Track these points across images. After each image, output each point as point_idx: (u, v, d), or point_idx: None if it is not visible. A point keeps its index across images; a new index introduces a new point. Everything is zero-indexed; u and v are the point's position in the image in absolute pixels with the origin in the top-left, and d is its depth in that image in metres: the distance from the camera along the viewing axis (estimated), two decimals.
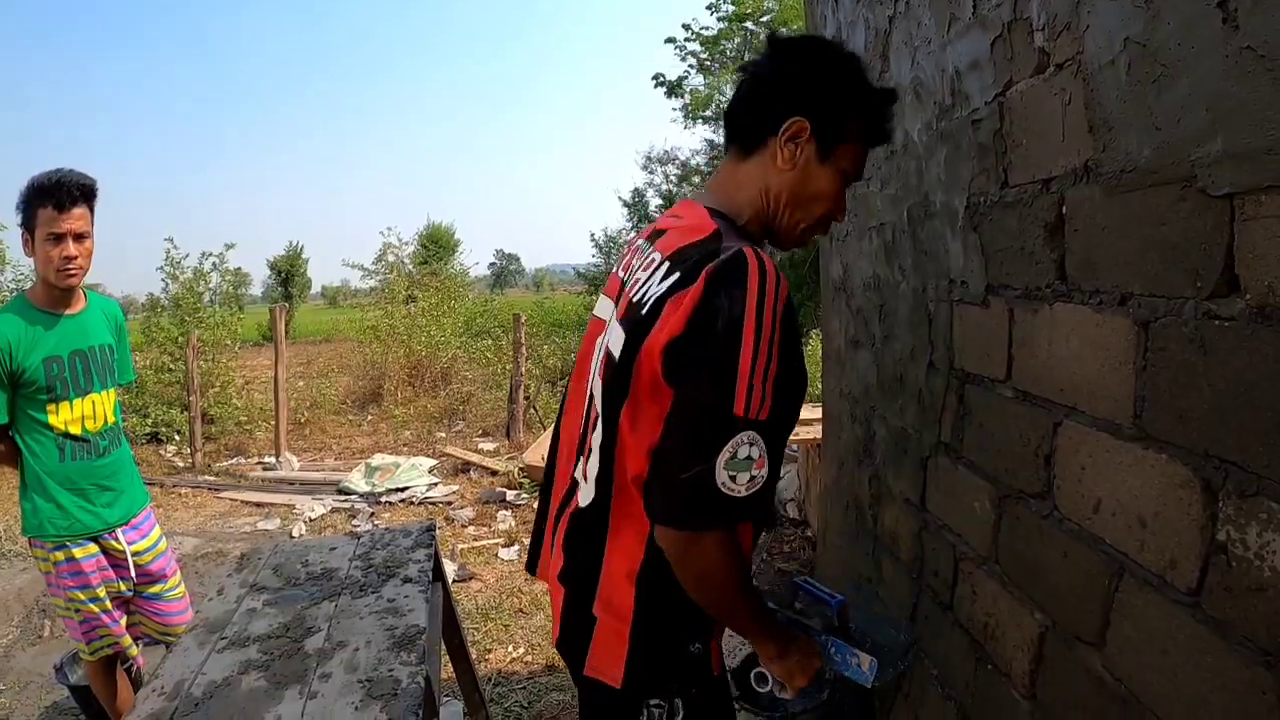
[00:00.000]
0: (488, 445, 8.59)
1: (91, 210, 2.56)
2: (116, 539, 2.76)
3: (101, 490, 2.71)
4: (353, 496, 6.77)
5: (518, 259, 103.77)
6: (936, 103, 1.77)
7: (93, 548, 2.70)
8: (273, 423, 8.68)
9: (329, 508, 6.51)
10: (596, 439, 1.29)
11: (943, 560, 1.90)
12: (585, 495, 1.33)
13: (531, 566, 1.59)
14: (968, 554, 1.74)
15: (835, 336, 3.05)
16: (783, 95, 1.30)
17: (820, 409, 5.44)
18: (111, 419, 2.76)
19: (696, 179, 27.13)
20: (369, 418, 10.82)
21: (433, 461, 7.55)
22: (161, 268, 10.36)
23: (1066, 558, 1.29)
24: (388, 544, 2.55)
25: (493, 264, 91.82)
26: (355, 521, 6.18)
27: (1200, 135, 0.93)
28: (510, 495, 6.46)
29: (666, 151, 26.66)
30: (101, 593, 2.72)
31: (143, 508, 2.90)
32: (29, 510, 2.65)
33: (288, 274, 28.87)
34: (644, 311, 1.20)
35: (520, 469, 6.88)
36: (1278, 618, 0.86)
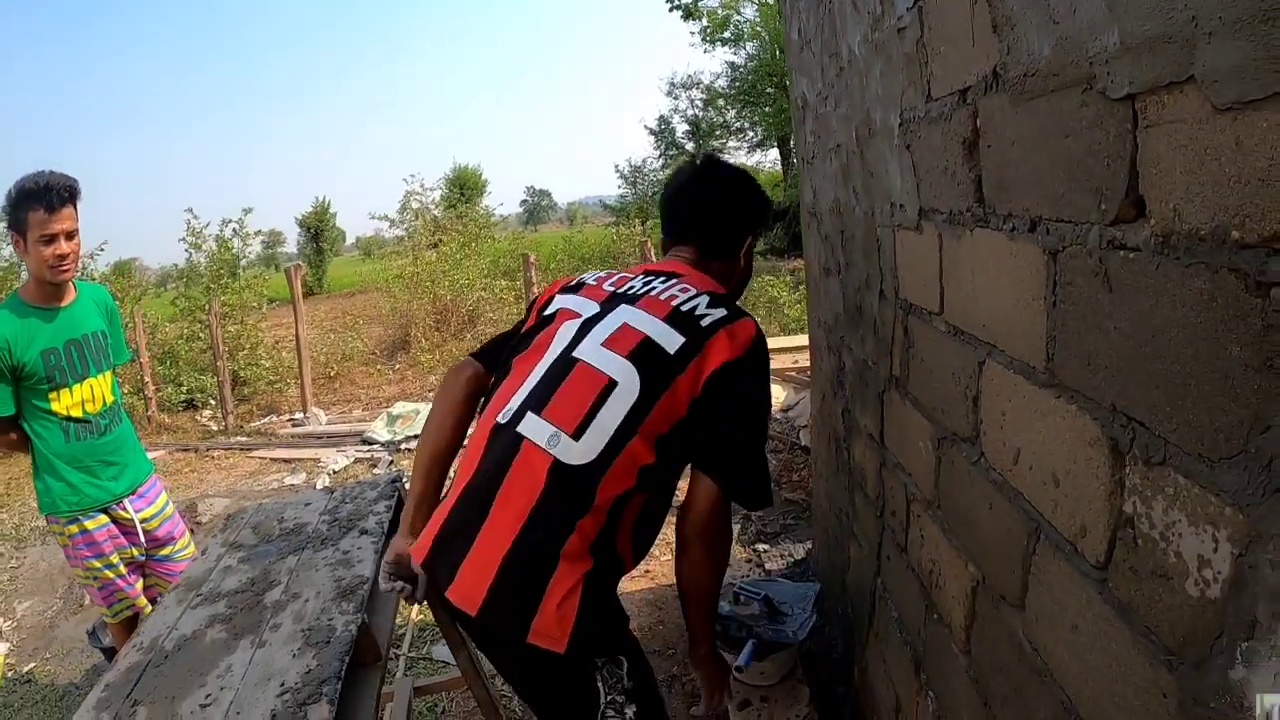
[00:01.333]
0: None
1: (76, 208, 2.63)
2: (124, 508, 2.90)
3: (106, 465, 2.85)
4: (375, 445, 6.76)
5: (549, 194, 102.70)
6: (870, 12, 1.56)
7: (103, 519, 2.84)
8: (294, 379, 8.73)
9: (352, 458, 6.52)
10: (617, 406, 1.38)
11: (898, 499, 1.75)
12: (578, 453, 1.37)
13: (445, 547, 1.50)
14: (916, 495, 1.59)
15: (812, 264, 2.87)
16: (749, 223, 1.75)
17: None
18: (110, 399, 2.88)
19: (721, 101, 26.57)
20: (396, 366, 10.81)
21: None
22: (183, 239, 10.38)
23: (992, 510, 1.14)
24: (355, 498, 2.56)
25: (524, 201, 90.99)
26: (376, 470, 6.19)
27: (1097, 25, 0.74)
28: None
29: (690, 76, 26.13)
30: (115, 559, 2.87)
31: (147, 477, 3.03)
32: (42, 490, 2.79)
33: (317, 229, 28.79)
34: (704, 324, 1.45)
35: None
36: (1181, 611, 0.69)
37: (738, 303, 1.64)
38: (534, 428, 1.41)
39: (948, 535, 1.38)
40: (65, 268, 2.63)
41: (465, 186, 26.03)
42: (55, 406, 2.72)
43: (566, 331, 1.52)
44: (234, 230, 10.50)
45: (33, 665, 4.10)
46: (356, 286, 20.82)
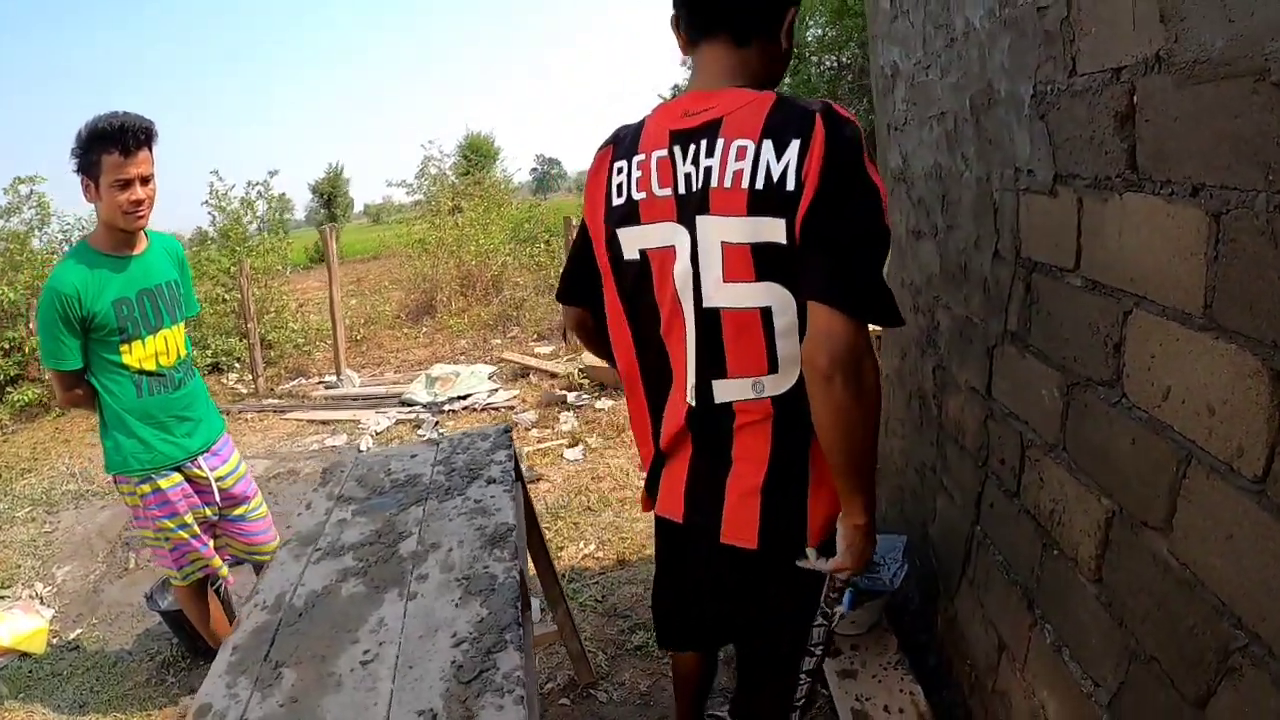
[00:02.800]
0: (544, 349, 8.75)
1: (153, 152, 2.60)
2: (199, 466, 2.92)
3: (180, 421, 2.86)
4: (416, 407, 7.00)
5: (559, 163, 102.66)
6: None
7: (177, 477, 2.86)
8: (329, 342, 8.95)
9: (393, 420, 6.75)
10: (785, 324, 1.39)
11: (1009, 448, 1.96)
12: (785, 381, 1.44)
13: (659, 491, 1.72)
14: (1035, 441, 1.79)
15: (895, 226, 3.04)
16: None
17: None
18: (183, 352, 2.90)
19: None
20: (424, 329, 11.04)
21: (491, 368, 7.75)
22: (207, 201, 10.56)
23: (1135, 445, 1.35)
24: (467, 448, 2.64)
25: (534, 169, 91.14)
26: (420, 431, 6.41)
27: (1274, 28, 0.93)
28: (571, 397, 6.62)
29: None
30: (189, 519, 2.89)
31: (220, 434, 3.05)
32: (111, 448, 2.79)
33: (330, 195, 29.05)
34: (789, 187, 1.30)
35: (580, 370, 7.02)
36: None
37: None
38: (732, 390, 1.47)
39: (1075, 475, 1.59)
40: (141, 214, 2.61)
41: (479, 153, 26.17)
42: (127, 359, 2.71)
43: (683, 283, 1.45)
44: (259, 193, 10.69)
45: (79, 632, 4.13)
46: (369, 252, 21.00)
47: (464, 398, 6.96)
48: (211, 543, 3.03)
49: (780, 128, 1.31)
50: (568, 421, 6.08)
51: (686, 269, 1.44)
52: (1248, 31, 0.98)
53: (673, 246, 1.45)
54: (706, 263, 1.40)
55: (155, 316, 2.76)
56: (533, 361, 7.89)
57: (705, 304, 1.43)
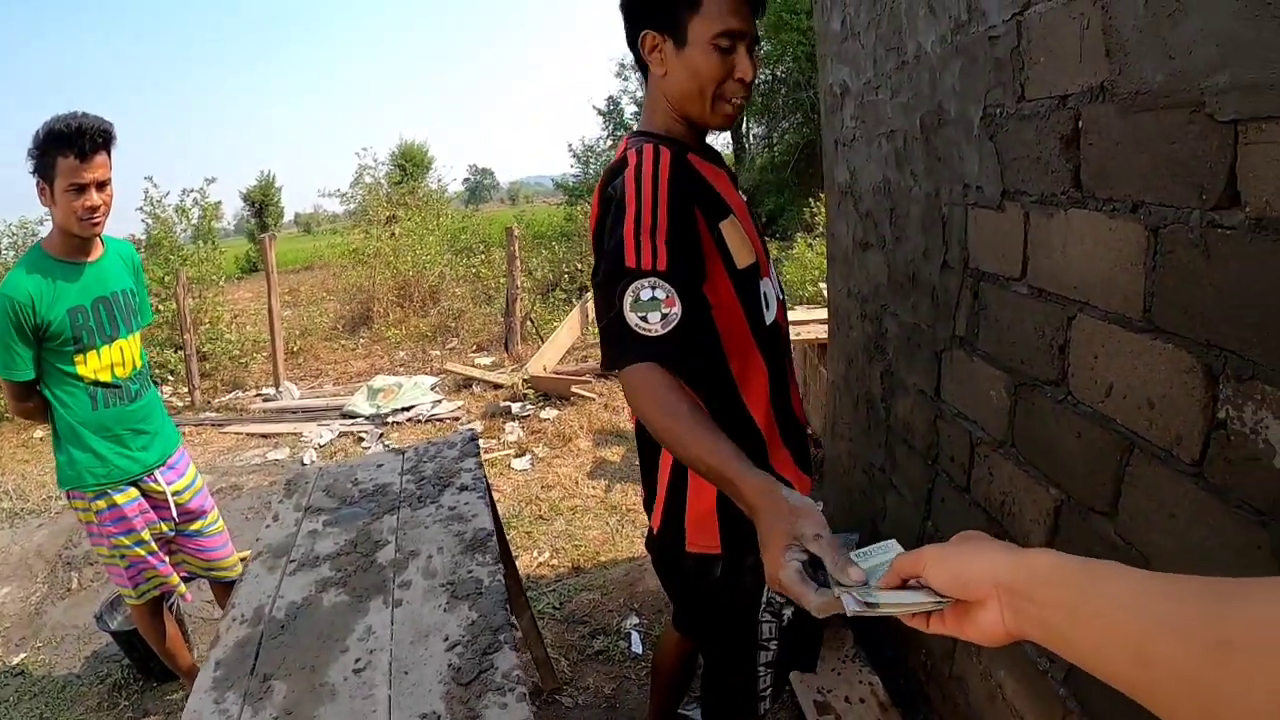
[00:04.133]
0: (485, 360, 8.76)
1: (110, 155, 2.51)
2: (155, 480, 2.82)
3: (136, 434, 2.76)
4: (358, 419, 6.95)
5: (492, 173, 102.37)
6: (952, 17, 1.88)
7: (133, 492, 2.76)
8: (265, 354, 8.82)
9: (336, 432, 6.70)
10: None
11: (959, 446, 2.09)
12: None
13: None
14: (984, 439, 1.93)
15: (842, 238, 3.19)
16: (629, 20, 1.53)
17: (814, 310, 5.63)
18: (139, 363, 2.80)
19: None
20: (361, 341, 10.95)
21: (434, 379, 7.74)
22: (141, 208, 10.29)
23: (1080, 438, 1.48)
24: (434, 457, 2.66)
25: (467, 179, 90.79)
26: (365, 443, 6.37)
27: (1210, 67, 1.07)
28: (515, 407, 6.65)
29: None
30: (146, 535, 2.79)
31: (176, 447, 2.96)
32: (65, 463, 2.67)
33: (261, 204, 28.46)
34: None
35: (524, 380, 7.06)
36: (1270, 484, 1.04)
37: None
38: None
39: (1024, 468, 1.73)
40: (97, 220, 2.51)
41: (412, 162, 25.95)
42: (82, 370, 2.61)
43: None
44: (195, 200, 10.47)
45: (24, 656, 3.97)
46: (302, 263, 20.68)
47: (407, 409, 6.95)
48: (168, 559, 2.92)
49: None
50: (513, 432, 6.12)
51: None
52: (1186, 68, 1.11)
53: None
54: None
55: (111, 326, 2.66)
56: (476, 373, 7.89)
57: None
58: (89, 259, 2.63)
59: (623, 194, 1.37)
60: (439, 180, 20.81)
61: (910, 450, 2.48)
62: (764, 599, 1.68)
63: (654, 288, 1.31)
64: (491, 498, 2.56)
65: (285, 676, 1.62)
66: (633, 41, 1.54)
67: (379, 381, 7.51)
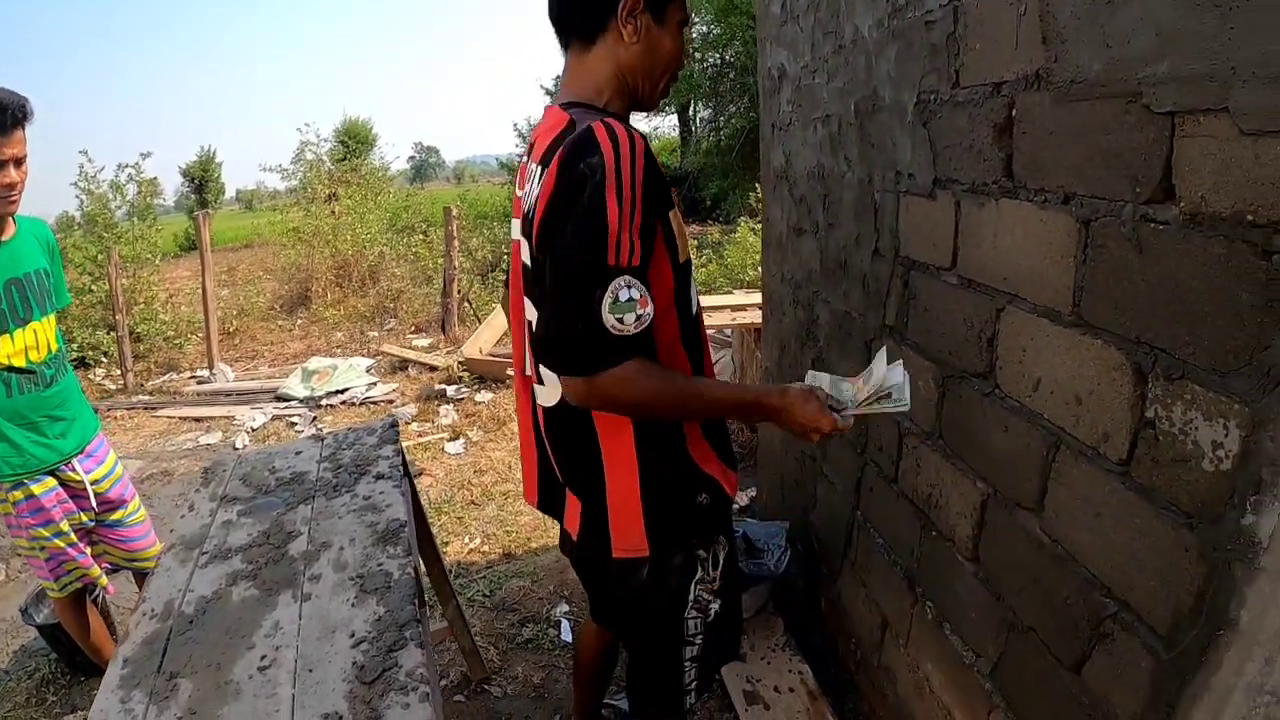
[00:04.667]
0: (422, 341, 8.57)
1: (26, 132, 2.39)
2: (74, 469, 2.71)
3: (53, 421, 2.64)
4: (292, 402, 6.75)
5: (437, 151, 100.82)
6: (890, 2, 1.81)
7: (50, 482, 2.64)
8: (202, 335, 8.50)
9: (269, 415, 6.49)
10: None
11: (887, 436, 2.05)
12: (548, 396, 1.48)
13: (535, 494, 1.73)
14: (912, 429, 1.88)
15: (776, 223, 3.13)
16: None
17: (753, 294, 5.59)
18: (55, 346, 2.66)
19: None
20: (299, 321, 10.65)
21: (370, 361, 7.57)
22: (75, 183, 9.82)
23: (1007, 432, 1.44)
24: (353, 444, 2.57)
25: (412, 158, 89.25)
26: (298, 427, 6.19)
27: (1148, 57, 1.02)
28: (450, 390, 6.51)
29: None
30: (65, 526, 2.68)
31: (95, 434, 2.83)
32: None
33: (201, 180, 27.53)
34: (532, 216, 1.33)
35: (459, 363, 6.91)
36: (1198, 485, 1.00)
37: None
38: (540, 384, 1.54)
39: (951, 460, 1.68)
40: (13, 198, 2.41)
41: (356, 139, 25.36)
42: None
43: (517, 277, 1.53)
44: (130, 175, 10.03)
45: None
46: (241, 240, 20.09)
47: (341, 392, 6.76)
48: (89, 550, 2.80)
49: (549, 155, 1.32)
50: (448, 415, 5.98)
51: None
52: (1124, 57, 1.06)
53: (519, 240, 1.52)
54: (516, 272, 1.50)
55: (25, 308, 2.52)
56: (412, 354, 7.71)
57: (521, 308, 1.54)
58: (1, 239, 2.49)
59: (602, 178, 1.22)
60: (382, 158, 20.35)
61: (841, 440, 2.43)
62: (690, 596, 1.61)
63: (630, 287, 1.23)
64: (412, 485, 2.48)
65: (191, 675, 1.55)
66: (596, 9, 1.39)
67: (314, 363, 7.29)
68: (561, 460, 1.56)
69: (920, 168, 1.72)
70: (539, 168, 1.34)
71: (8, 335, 2.48)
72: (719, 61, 18.61)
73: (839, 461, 2.46)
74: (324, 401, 6.67)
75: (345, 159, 16.62)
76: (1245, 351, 0.92)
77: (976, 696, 1.66)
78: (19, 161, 2.37)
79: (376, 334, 9.49)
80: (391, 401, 6.60)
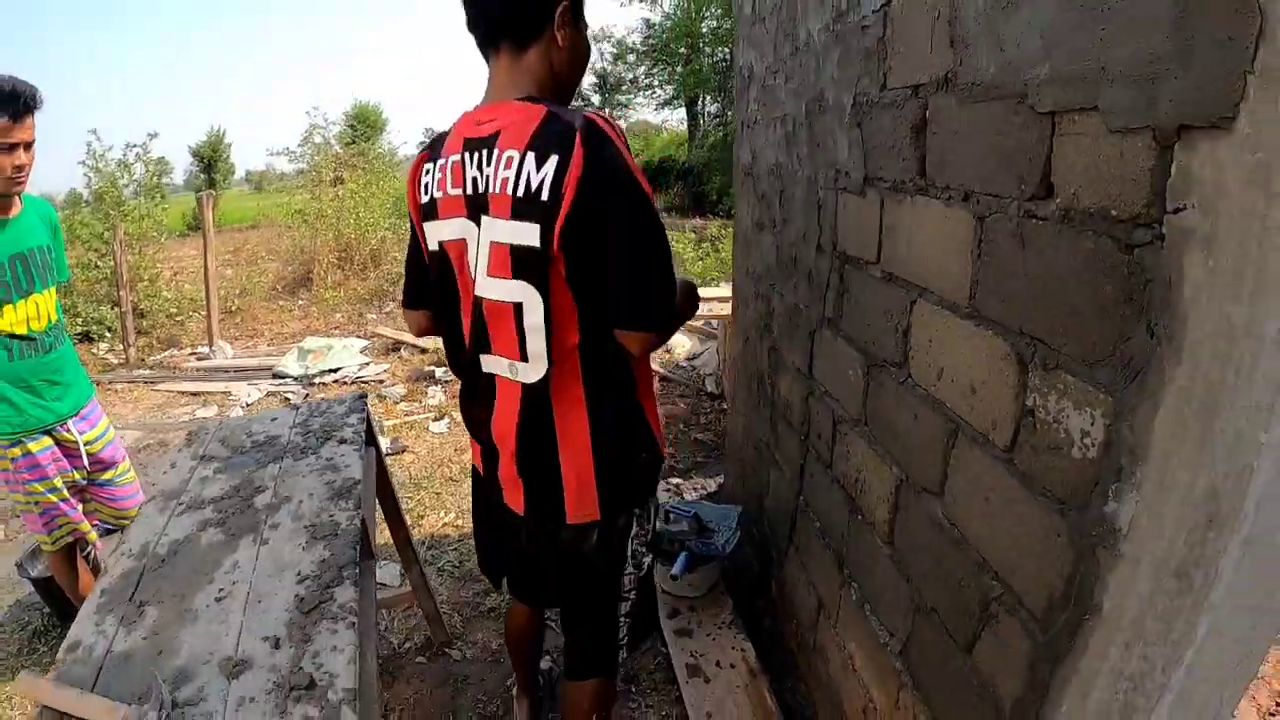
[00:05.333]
0: None
1: (34, 118, 2.54)
2: (68, 430, 2.84)
3: (51, 385, 2.78)
4: (287, 380, 6.76)
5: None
6: (834, 6, 1.82)
7: (46, 440, 2.78)
8: (203, 313, 8.51)
9: (264, 392, 6.51)
10: (534, 322, 1.43)
11: (824, 423, 2.07)
12: (533, 372, 1.49)
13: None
14: (844, 416, 1.91)
15: (744, 219, 3.14)
16: None
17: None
18: (54, 317, 2.80)
19: (631, 57, 26.61)
20: (300, 302, 10.65)
21: (364, 342, 7.56)
22: (84, 161, 9.82)
23: (917, 419, 1.46)
24: (324, 412, 2.69)
25: (422, 142, 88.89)
26: (292, 403, 6.17)
27: (1034, 59, 1.03)
28: (439, 372, 6.52)
29: (602, 29, 25.95)
30: (58, 483, 2.82)
31: (89, 399, 2.97)
32: None
33: (210, 160, 27.44)
34: (544, 196, 1.33)
35: None
36: (1068, 473, 1.02)
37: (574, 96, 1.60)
38: (494, 365, 1.55)
39: (873, 446, 1.70)
40: (22, 180, 2.55)
41: (366, 123, 25.30)
42: None
43: (468, 271, 1.53)
44: (137, 155, 10.02)
45: None
46: (248, 221, 20.09)
47: (335, 371, 6.78)
48: (80, 507, 2.95)
49: (543, 142, 1.34)
50: (435, 396, 6.01)
51: (473, 259, 1.50)
52: (1014, 59, 1.08)
53: (464, 239, 1.51)
54: (480, 261, 1.48)
55: (27, 281, 2.66)
56: (404, 337, 7.71)
57: (476, 291, 1.51)
58: (7, 216, 2.63)
59: (625, 162, 1.33)
60: (390, 143, 20.31)
61: (789, 427, 2.45)
62: (629, 552, 1.68)
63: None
64: (379, 454, 2.56)
65: (158, 603, 1.67)
66: (545, 8, 1.44)
67: (310, 343, 7.31)
68: (528, 435, 1.57)
69: (854, 166, 1.74)
70: (529, 153, 1.35)
71: (10, 305, 2.61)
72: (728, 57, 18.58)
73: (788, 449, 2.48)
74: (318, 380, 6.68)
75: (353, 143, 16.58)
76: (1109, 343, 0.94)
77: (889, 675, 1.68)
78: (28, 145, 2.51)
79: (375, 316, 9.48)
80: (382, 381, 6.61)
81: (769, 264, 2.67)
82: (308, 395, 6.36)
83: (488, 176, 1.41)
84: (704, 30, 19.26)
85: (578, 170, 1.30)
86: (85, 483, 2.95)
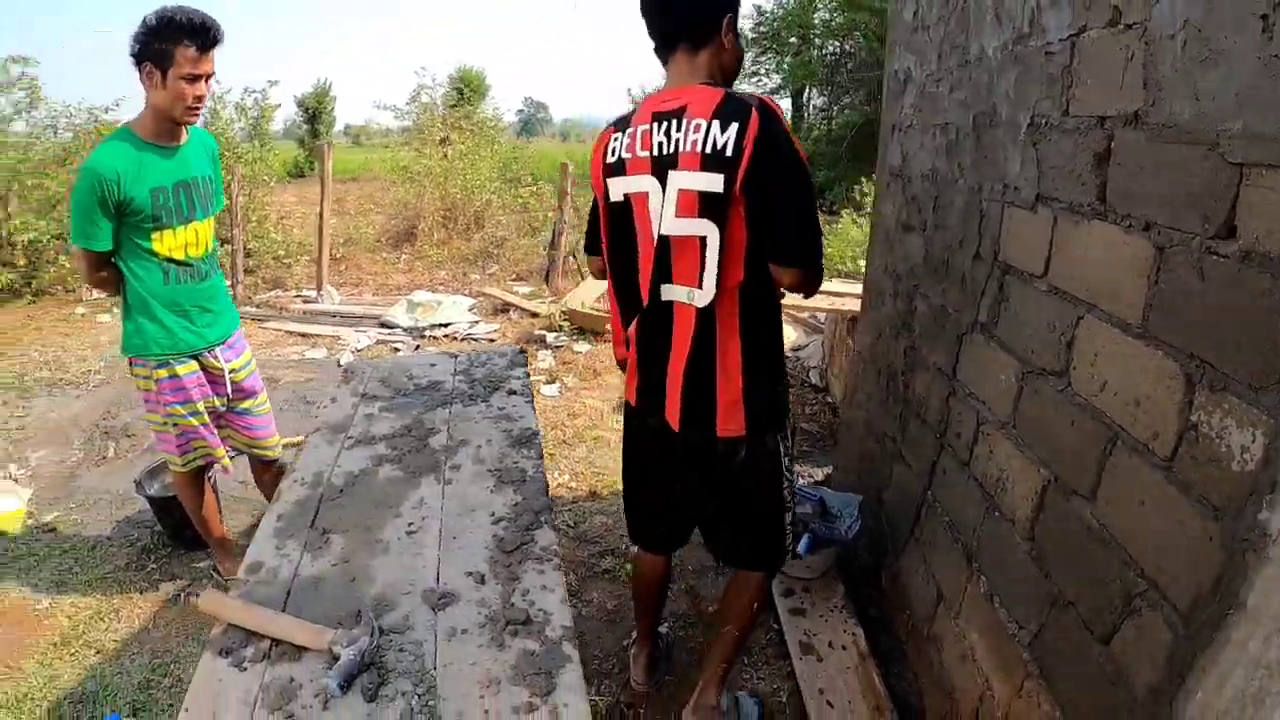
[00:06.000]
0: (522, 289, 8.92)
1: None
2: (215, 357, 3.00)
3: (202, 312, 2.93)
4: (396, 330, 7.17)
5: (546, 107, 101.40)
6: (1015, 28, 1.99)
7: (193, 365, 2.94)
8: (310, 257, 9.02)
9: (374, 339, 6.93)
10: (710, 257, 1.82)
11: (966, 423, 2.26)
12: (704, 298, 1.86)
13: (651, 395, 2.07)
14: (989, 419, 2.09)
15: (887, 218, 3.31)
16: (721, 4, 1.90)
17: (849, 284, 5.75)
18: (210, 246, 2.96)
19: (739, 42, 26.52)
20: (403, 256, 11.15)
21: (472, 301, 7.94)
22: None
23: (1073, 425, 1.65)
24: (484, 363, 2.88)
25: (521, 111, 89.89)
26: (400, 353, 6.56)
27: (1228, 113, 1.21)
28: (550, 337, 6.83)
29: None
30: (201, 407, 2.98)
31: (236, 329, 3.14)
32: (132, 331, 2.85)
33: (315, 111, 28.25)
34: (729, 153, 1.73)
35: (561, 313, 7.21)
36: (1226, 483, 1.21)
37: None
38: (673, 293, 1.91)
39: (1020, 449, 1.89)
40: (199, 110, 2.69)
41: (470, 87, 25.79)
42: (157, 247, 2.76)
43: (652, 215, 1.90)
44: (256, 100, 10.64)
45: (55, 515, 4.12)
46: (349, 174, 20.84)
47: (444, 326, 7.15)
48: (217, 433, 3.10)
49: (725, 113, 1.75)
50: (545, 360, 6.30)
51: (656, 207, 1.88)
52: (1208, 110, 1.25)
53: (646, 192, 1.90)
54: (668, 203, 1.85)
55: (189, 208, 2.81)
56: (514, 299, 8.06)
57: (661, 231, 1.88)
58: (176, 144, 2.78)
59: (787, 134, 1.75)
60: (496, 108, 20.76)
61: (923, 424, 2.64)
62: (783, 468, 2.04)
63: None
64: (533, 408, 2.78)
65: (343, 533, 1.82)
66: (718, 17, 1.89)
67: (419, 296, 7.72)
68: (695, 353, 1.92)
69: (1026, 183, 1.92)
70: (715, 120, 1.75)
71: (170, 230, 2.78)
72: (838, 51, 18.46)
73: (918, 445, 2.67)
74: (426, 333, 7.07)
75: (458, 105, 17.03)
76: (1276, 372, 1.12)
77: (1015, 665, 1.88)
78: (208, 78, 2.67)
79: (478, 276, 9.89)
80: (493, 340, 6.95)
81: (914, 264, 2.84)
82: (418, 346, 6.75)
83: (676, 140, 1.82)
84: (815, 22, 19.10)
85: (753, 133, 1.71)
86: (224, 409, 3.12)
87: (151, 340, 2.84)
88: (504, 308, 7.94)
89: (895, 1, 3.30)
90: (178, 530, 3.67)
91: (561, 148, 25.44)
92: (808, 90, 21.97)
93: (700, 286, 1.85)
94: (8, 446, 4.99)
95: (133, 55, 2.61)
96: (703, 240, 1.82)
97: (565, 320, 7.10)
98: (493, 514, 1.89)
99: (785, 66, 23.05)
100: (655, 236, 1.90)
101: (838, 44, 18.28)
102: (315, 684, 1.44)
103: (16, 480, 4.50)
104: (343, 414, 2.51)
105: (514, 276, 9.89)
